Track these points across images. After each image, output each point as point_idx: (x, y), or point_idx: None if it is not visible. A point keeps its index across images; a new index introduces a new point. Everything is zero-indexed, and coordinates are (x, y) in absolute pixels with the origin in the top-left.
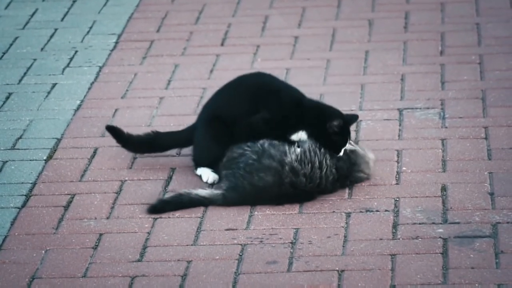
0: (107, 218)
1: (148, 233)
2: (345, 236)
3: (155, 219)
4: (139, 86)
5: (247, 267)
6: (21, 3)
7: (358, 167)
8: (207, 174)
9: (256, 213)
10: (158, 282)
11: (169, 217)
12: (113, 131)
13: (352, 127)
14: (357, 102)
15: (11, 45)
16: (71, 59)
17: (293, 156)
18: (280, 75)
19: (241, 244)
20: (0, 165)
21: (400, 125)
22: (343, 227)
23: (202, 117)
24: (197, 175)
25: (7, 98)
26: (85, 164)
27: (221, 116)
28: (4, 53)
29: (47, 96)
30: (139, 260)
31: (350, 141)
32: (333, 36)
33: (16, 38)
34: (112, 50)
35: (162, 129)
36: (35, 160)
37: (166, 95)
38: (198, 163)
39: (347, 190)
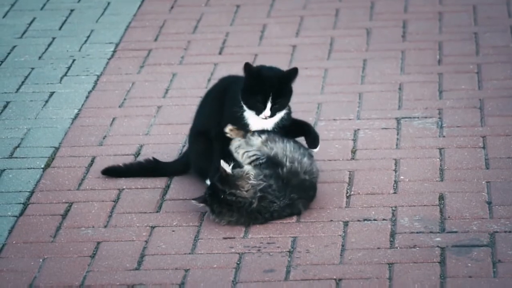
0: (105, 226)
1: (145, 241)
2: (342, 245)
3: (153, 227)
4: (136, 95)
5: (244, 276)
6: (19, 12)
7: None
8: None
9: None
10: None
11: (166, 226)
12: (111, 172)
13: (350, 136)
14: (354, 111)
15: (9, 53)
16: (69, 68)
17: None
18: None
19: (238, 253)
20: None
21: (398, 134)
22: (340, 235)
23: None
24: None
25: (5, 106)
26: (83, 172)
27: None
28: (2, 62)
29: (45, 104)
30: (136, 269)
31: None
32: (330, 45)
33: (14, 47)
34: (109, 59)
35: (160, 138)
36: (33, 168)
37: (164, 104)
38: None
39: (344, 199)
